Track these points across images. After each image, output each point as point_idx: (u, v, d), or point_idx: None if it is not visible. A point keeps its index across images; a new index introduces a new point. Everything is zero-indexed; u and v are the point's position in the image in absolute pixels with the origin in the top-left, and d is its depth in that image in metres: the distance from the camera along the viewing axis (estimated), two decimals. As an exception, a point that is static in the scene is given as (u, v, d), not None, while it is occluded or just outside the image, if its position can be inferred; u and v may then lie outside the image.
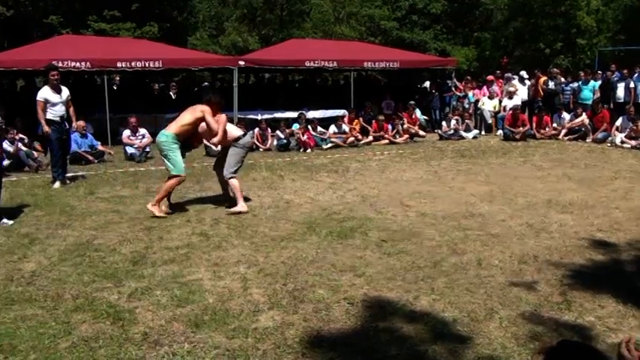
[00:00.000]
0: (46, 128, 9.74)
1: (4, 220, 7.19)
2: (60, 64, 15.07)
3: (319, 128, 15.60)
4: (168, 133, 7.81)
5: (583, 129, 15.96)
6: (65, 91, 10.09)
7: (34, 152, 12.64)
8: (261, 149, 14.84)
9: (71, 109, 10.18)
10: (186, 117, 7.93)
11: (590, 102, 16.95)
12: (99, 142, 13.73)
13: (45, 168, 11.82)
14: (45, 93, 9.86)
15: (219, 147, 8.44)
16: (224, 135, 7.86)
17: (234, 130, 8.19)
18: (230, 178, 7.92)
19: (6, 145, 11.88)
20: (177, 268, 5.45)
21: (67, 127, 10.16)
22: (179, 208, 8.06)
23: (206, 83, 22.93)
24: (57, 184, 9.80)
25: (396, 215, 7.43)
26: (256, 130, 15.16)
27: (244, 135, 8.14)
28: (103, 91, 16.21)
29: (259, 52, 22.93)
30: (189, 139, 8.14)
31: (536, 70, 19.65)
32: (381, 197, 8.62)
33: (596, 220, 7.09)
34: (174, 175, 7.79)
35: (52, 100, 9.83)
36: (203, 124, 7.85)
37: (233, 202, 7.90)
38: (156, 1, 30.94)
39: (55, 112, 9.90)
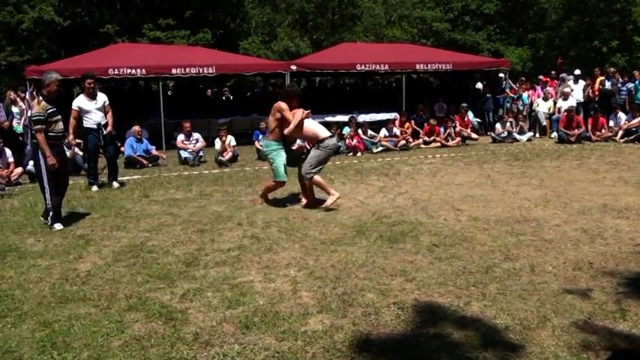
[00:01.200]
0: (70, 137, 10.14)
1: (56, 225, 7.42)
2: (116, 72, 15.53)
3: (370, 132, 15.56)
4: (265, 141, 8.25)
5: (639, 130, 15.48)
6: (101, 98, 10.24)
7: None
8: (311, 153, 14.88)
9: (109, 115, 10.27)
10: (270, 121, 8.26)
11: (646, 102, 16.43)
12: (153, 147, 14.03)
13: (101, 172, 12.13)
14: (79, 101, 10.13)
15: (296, 144, 8.64)
16: (304, 132, 8.18)
17: (320, 131, 8.35)
18: (308, 177, 8.08)
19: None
20: (229, 270, 5.51)
21: (104, 132, 10.20)
22: (230, 210, 8.15)
23: (271, 88, 23.14)
24: (95, 188, 10.11)
25: (448, 219, 7.34)
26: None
27: (331, 137, 8.26)
28: (157, 96, 16.58)
29: (311, 57, 23.05)
30: (286, 139, 8.30)
31: (595, 69, 19.15)
32: (433, 201, 8.53)
33: (654, 225, 6.86)
34: (275, 181, 8.23)
35: (86, 108, 10.04)
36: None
37: (309, 202, 8.24)
38: (209, 9, 31.44)
39: (91, 120, 10.09)
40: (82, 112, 10.05)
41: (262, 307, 4.54)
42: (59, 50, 30.83)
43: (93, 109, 10.09)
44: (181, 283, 5.17)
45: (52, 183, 7.33)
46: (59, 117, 7.61)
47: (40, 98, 7.50)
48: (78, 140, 13.55)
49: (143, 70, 15.91)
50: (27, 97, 15.54)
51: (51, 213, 7.31)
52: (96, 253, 6.19)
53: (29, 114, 15.23)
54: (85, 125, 10.11)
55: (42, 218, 7.62)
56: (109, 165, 10.62)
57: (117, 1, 32.23)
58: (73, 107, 10.04)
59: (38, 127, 7.26)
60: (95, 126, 10.11)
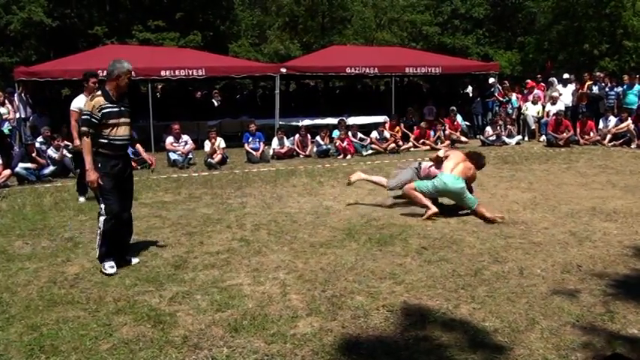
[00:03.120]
0: (78, 142, 8.21)
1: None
2: (104, 73, 15.43)
3: (359, 135, 15.59)
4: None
5: (628, 134, 15.59)
6: None
7: (79, 158, 12.92)
8: (301, 155, 14.91)
9: None
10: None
11: (635, 106, 16.54)
12: (142, 149, 13.94)
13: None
14: (80, 102, 8.66)
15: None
16: None
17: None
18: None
19: (51, 151, 12.20)
20: (218, 273, 5.50)
21: None
22: (220, 213, 8.13)
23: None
24: (82, 199, 9.29)
25: (437, 222, 7.36)
26: (296, 136, 15.27)
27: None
28: (146, 98, 16.53)
29: (300, 59, 23.05)
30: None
31: (585, 74, 19.27)
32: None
33: (641, 228, 6.90)
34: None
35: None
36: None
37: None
38: (199, 11, 31.41)
39: None
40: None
41: (251, 310, 4.54)
42: (48, 51, 30.70)
43: None
44: (170, 286, 5.15)
45: (105, 202, 5.63)
46: (122, 119, 5.76)
47: (98, 93, 5.69)
48: (67, 142, 13.52)
49: (132, 72, 15.83)
50: (15, 98, 15.47)
51: (98, 247, 5.70)
52: (84, 256, 6.15)
53: (17, 116, 15.23)
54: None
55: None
56: None
57: (106, 3, 32.15)
58: (72, 109, 8.80)
59: (84, 129, 5.58)
60: None
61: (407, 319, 4.36)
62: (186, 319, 4.41)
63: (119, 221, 5.70)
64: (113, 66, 5.77)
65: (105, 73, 6.23)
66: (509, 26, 42.20)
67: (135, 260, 5.88)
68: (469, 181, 8.04)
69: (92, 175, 5.50)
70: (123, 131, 5.75)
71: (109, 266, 5.55)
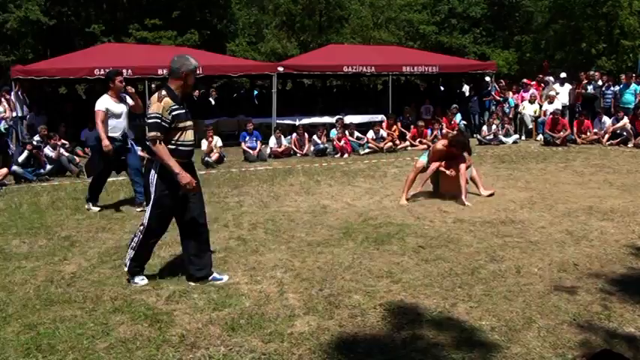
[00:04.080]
0: (107, 142, 8.06)
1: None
2: (102, 72, 15.45)
3: (357, 133, 15.60)
4: None
5: (625, 133, 15.62)
6: (128, 101, 8.49)
7: (75, 157, 12.91)
8: (298, 154, 14.91)
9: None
10: None
11: (631, 106, 16.58)
12: (139, 148, 13.93)
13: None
14: (106, 102, 8.18)
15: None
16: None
17: None
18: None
19: (48, 150, 12.18)
20: (215, 271, 5.49)
21: (130, 144, 8.67)
22: (217, 212, 8.13)
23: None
24: (95, 209, 8.51)
25: (434, 221, 7.37)
26: (294, 135, 15.27)
27: None
28: (144, 97, 16.49)
29: (298, 58, 23.06)
30: None
31: (581, 73, 19.30)
32: (419, 203, 8.55)
33: (637, 227, 6.90)
34: None
35: (115, 111, 8.26)
36: None
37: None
38: (196, 9, 31.37)
39: (116, 127, 8.30)
40: (108, 116, 8.20)
41: (248, 309, 4.54)
42: (45, 50, 30.67)
43: (121, 113, 8.34)
44: (167, 284, 5.14)
45: (155, 221, 5.16)
46: (188, 122, 5.21)
47: (164, 93, 5.01)
48: (64, 141, 13.51)
49: (129, 71, 15.81)
50: (12, 97, 15.44)
51: (130, 261, 5.22)
52: (81, 255, 6.15)
53: (14, 114, 15.20)
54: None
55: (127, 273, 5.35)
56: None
57: (103, 1, 32.10)
58: (98, 108, 8.10)
59: (153, 134, 4.92)
60: (119, 135, 8.33)
61: (404, 317, 4.36)
62: (184, 318, 4.41)
63: (157, 238, 5.38)
64: (179, 63, 5.10)
65: (165, 71, 5.83)
66: (507, 25, 42.23)
67: (224, 278, 5.31)
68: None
69: (186, 178, 4.93)
70: (190, 135, 5.23)
71: (140, 279, 5.22)
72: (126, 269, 5.24)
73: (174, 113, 4.96)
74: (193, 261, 5.18)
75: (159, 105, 4.92)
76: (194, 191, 5.09)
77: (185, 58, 5.11)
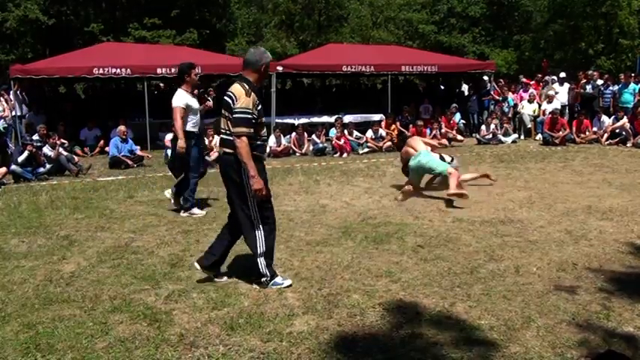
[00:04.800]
0: (182, 142, 7.63)
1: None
2: (101, 71, 15.45)
3: (356, 133, 15.60)
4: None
5: (624, 133, 15.62)
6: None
7: (74, 157, 12.91)
8: (297, 154, 14.91)
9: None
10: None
11: (630, 105, 16.58)
12: (138, 147, 13.96)
13: (85, 172, 12.07)
14: (185, 97, 7.78)
15: None
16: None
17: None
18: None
19: (47, 149, 12.16)
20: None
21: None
22: (216, 211, 8.13)
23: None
24: (199, 212, 8.03)
25: (433, 221, 7.37)
26: (293, 134, 15.26)
27: None
28: (142, 96, 16.51)
29: (297, 58, 23.03)
30: None
31: (579, 73, 19.31)
32: (418, 202, 8.55)
33: (636, 226, 6.91)
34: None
35: (194, 106, 7.88)
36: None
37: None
38: (195, 9, 31.35)
39: (194, 121, 7.89)
40: (187, 112, 7.79)
41: (247, 309, 4.54)
42: (44, 49, 30.64)
43: (198, 109, 7.99)
44: (166, 284, 5.15)
45: (265, 211, 5.01)
46: (264, 118, 5.10)
47: (248, 87, 4.84)
48: (63, 140, 13.50)
49: (128, 70, 15.82)
50: (11, 96, 15.44)
51: (266, 268, 5.00)
52: (80, 254, 6.15)
53: (13, 113, 15.19)
54: (188, 129, 7.80)
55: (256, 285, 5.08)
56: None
57: (102, 0, 32.07)
58: (178, 105, 7.68)
59: (244, 130, 4.76)
60: (198, 130, 7.99)
61: (403, 316, 4.36)
62: (183, 317, 4.41)
63: (275, 228, 5.16)
64: (257, 55, 4.98)
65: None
66: (506, 25, 42.23)
67: (222, 279, 5.23)
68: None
69: (259, 183, 4.79)
70: (265, 131, 5.13)
71: (282, 278, 5.05)
72: (266, 278, 4.99)
73: (259, 108, 4.88)
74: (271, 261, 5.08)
75: (248, 100, 4.78)
76: (264, 197, 4.91)
77: (262, 51, 5.03)
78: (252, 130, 4.80)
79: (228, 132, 4.90)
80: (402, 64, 18.69)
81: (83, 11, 31.86)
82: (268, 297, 4.78)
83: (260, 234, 4.95)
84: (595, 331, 4.08)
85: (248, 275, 5.31)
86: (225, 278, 5.25)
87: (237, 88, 4.85)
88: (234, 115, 4.78)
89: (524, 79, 20.40)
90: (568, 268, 5.42)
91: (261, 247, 4.96)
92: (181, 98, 7.72)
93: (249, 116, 4.77)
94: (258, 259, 4.98)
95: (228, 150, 4.93)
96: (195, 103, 7.90)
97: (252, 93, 4.80)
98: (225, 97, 4.91)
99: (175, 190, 8.14)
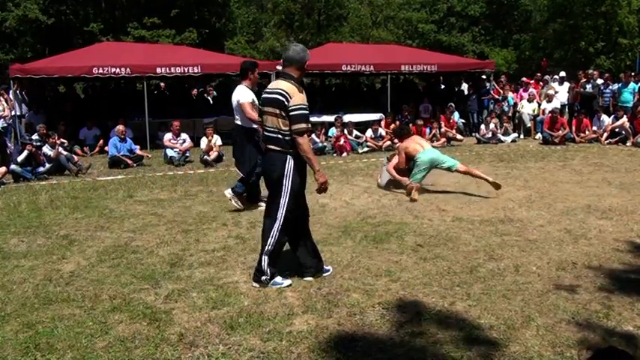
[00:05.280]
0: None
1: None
2: (100, 71, 15.44)
3: (355, 132, 15.59)
4: None
5: (623, 132, 15.63)
6: None
7: (74, 156, 12.90)
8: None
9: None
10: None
11: (630, 104, 16.58)
12: (137, 147, 13.95)
13: (85, 172, 12.06)
14: (250, 93, 7.97)
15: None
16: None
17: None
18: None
19: (47, 149, 12.16)
20: (214, 270, 5.50)
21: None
22: (215, 211, 8.13)
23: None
24: (240, 205, 8.12)
25: (433, 220, 7.37)
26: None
27: None
28: (142, 96, 16.50)
29: (296, 57, 22.97)
30: None
31: (579, 72, 19.31)
32: (417, 201, 8.55)
33: (635, 225, 6.91)
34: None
35: (256, 103, 7.70)
36: None
37: None
38: (195, 8, 31.36)
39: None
40: (253, 107, 7.79)
41: (247, 308, 4.54)
42: (43, 49, 30.64)
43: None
44: (166, 283, 5.15)
45: (291, 213, 5.03)
46: None
47: (297, 84, 4.92)
48: (63, 140, 13.49)
49: (128, 69, 15.81)
50: (10, 96, 15.43)
51: (268, 267, 5.01)
52: (80, 254, 6.14)
53: (13, 113, 15.19)
54: (248, 126, 7.92)
55: (254, 282, 5.08)
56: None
57: (102, 0, 32.04)
58: (246, 100, 7.81)
59: (304, 126, 4.84)
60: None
61: (402, 316, 4.36)
62: (182, 316, 4.41)
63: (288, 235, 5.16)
64: (301, 52, 5.05)
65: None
66: (505, 24, 42.28)
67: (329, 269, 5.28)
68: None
69: (324, 177, 5.03)
70: None
71: (282, 278, 5.06)
72: (266, 277, 4.99)
73: (307, 104, 4.93)
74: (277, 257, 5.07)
75: (302, 96, 4.85)
76: (325, 191, 5.11)
77: (304, 48, 5.10)
78: (310, 126, 4.92)
79: (275, 129, 4.90)
80: (401, 64, 18.68)
81: (83, 11, 31.87)
82: (268, 296, 4.78)
83: (276, 233, 4.97)
84: (595, 330, 4.09)
85: (247, 274, 5.32)
86: (330, 267, 5.36)
87: (287, 86, 4.87)
88: (293, 113, 4.79)
89: (524, 79, 20.40)
90: (568, 267, 5.42)
91: (271, 244, 4.98)
92: (247, 93, 7.93)
93: (306, 112, 4.84)
94: (263, 256, 5.00)
95: (274, 147, 4.94)
96: (256, 100, 7.79)
97: (302, 90, 4.88)
98: (275, 95, 4.88)
99: (239, 188, 8.22)
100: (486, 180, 9.03)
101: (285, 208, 4.96)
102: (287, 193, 4.94)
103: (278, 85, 4.93)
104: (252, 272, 5.17)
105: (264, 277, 5.00)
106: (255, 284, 5.03)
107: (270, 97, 4.92)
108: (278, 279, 5.03)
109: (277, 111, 4.85)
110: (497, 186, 8.88)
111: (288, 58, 5.01)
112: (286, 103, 4.80)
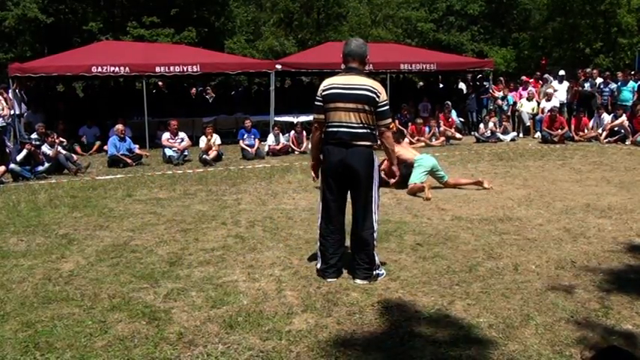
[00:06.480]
0: None
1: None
2: (99, 70, 15.44)
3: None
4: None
5: (622, 131, 15.64)
6: None
7: (73, 155, 12.89)
8: (296, 152, 14.90)
9: None
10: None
11: (629, 103, 16.59)
12: (136, 146, 13.96)
13: (84, 171, 12.06)
14: None
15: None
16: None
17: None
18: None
19: (46, 148, 12.15)
20: (213, 269, 5.50)
21: None
22: (215, 210, 8.13)
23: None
24: None
25: (432, 219, 7.37)
26: (292, 132, 15.26)
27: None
28: (141, 95, 16.50)
29: (296, 56, 23.01)
30: None
31: (578, 71, 19.31)
32: (417, 200, 8.56)
33: (635, 224, 6.92)
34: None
35: None
36: None
37: None
38: (194, 7, 31.35)
39: None
40: None
41: (246, 307, 4.54)
42: (42, 48, 30.64)
43: None
44: (165, 282, 5.15)
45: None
46: None
47: (377, 80, 4.86)
48: (62, 139, 13.49)
49: (127, 68, 15.80)
50: (9, 95, 15.42)
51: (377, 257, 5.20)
52: (79, 253, 6.14)
53: (12, 112, 15.16)
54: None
55: (363, 281, 5.07)
56: None
57: (101, -1, 32.07)
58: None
59: (390, 121, 5.09)
60: None
61: (401, 315, 4.36)
62: (181, 315, 4.41)
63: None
64: (363, 46, 5.23)
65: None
66: (504, 23, 42.29)
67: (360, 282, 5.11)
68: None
69: (399, 169, 5.21)
70: None
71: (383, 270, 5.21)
72: (378, 271, 5.13)
73: None
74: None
75: (385, 93, 5.05)
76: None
77: (364, 42, 5.26)
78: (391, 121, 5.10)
79: (363, 125, 4.95)
80: (400, 62, 18.69)
81: (82, 10, 31.85)
82: (267, 295, 4.79)
83: (376, 225, 5.23)
84: (594, 328, 4.09)
85: (247, 273, 5.32)
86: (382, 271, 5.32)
87: (374, 82, 5.02)
88: (382, 109, 4.93)
89: (524, 78, 20.41)
90: (567, 266, 5.43)
91: (375, 238, 5.22)
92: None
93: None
94: (374, 251, 5.15)
95: (362, 143, 4.97)
96: None
97: None
98: (363, 91, 4.93)
99: None
100: (475, 183, 9.37)
101: (379, 200, 5.22)
102: (377, 186, 5.15)
103: (360, 80, 4.98)
104: (360, 272, 5.10)
105: (375, 272, 5.09)
106: (362, 281, 5.03)
107: (357, 94, 4.93)
108: (381, 269, 5.19)
109: (366, 107, 4.92)
110: (479, 183, 9.28)
111: (352, 52, 5.11)
112: (377, 99, 4.91)
